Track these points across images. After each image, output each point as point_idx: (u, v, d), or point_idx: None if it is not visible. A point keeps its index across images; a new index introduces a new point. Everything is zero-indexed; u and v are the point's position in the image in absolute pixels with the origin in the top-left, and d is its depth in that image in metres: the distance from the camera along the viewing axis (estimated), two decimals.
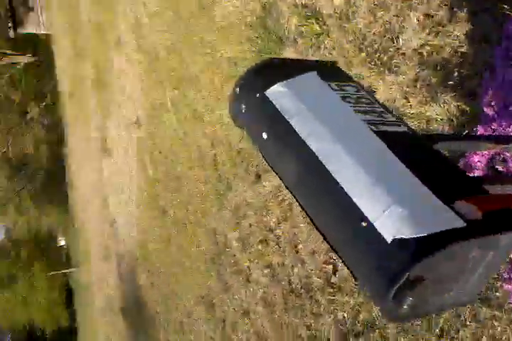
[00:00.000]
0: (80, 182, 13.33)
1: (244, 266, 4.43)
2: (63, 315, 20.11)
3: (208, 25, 4.36)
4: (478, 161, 1.96)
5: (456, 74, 2.03)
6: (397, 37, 2.31)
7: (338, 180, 0.93)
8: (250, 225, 4.37)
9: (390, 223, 0.84)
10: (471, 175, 1.91)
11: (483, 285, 1.00)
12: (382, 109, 1.13)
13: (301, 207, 1.07)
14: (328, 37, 2.69)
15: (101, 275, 10.92)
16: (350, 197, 0.91)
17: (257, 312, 4.15)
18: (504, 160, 1.85)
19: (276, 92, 1.12)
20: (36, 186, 17.73)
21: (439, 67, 2.11)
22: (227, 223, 4.70)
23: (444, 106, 2.10)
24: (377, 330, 2.76)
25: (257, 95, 1.15)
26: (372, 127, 1.03)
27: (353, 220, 0.89)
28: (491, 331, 1.99)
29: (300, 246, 3.57)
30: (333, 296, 3.18)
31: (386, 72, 2.31)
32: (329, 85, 1.15)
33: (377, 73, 2.35)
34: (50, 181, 17.12)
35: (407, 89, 2.24)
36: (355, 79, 1.34)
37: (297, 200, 1.09)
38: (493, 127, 1.84)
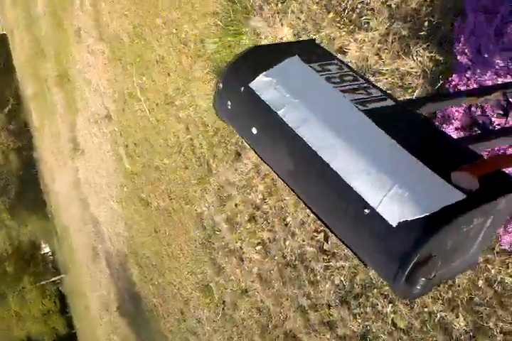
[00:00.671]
0: (55, 185, 13.08)
1: (236, 246, 4.45)
2: (60, 323, 19.92)
3: (170, 3, 4.27)
4: (456, 111, 1.97)
5: (426, 23, 2.04)
6: None
7: (335, 169, 0.92)
8: (236, 205, 4.37)
9: (392, 207, 0.84)
10: (455, 134, 1.92)
11: (485, 247, 1.02)
12: (366, 84, 1.11)
13: (301, 200, 1.05)
14: (295, 0, 2.67)
15: (92, 277, 10.82)
16: (349, 185, 0.90)
17: (255, 289, 4.17)
18: (483, 110, 1.86)
19: (261, 83, 1.10)
20: (10, 196, 17.34)
21: (409, 18, 2.11)
22: (212, 206, 4.69)
23: (417, 59, 2.11)
24: (375, 289, 2.81)
25: (242, 89, 1.12)
26: (360, 106, 1.01)
27: (355, 208, 0.88)
28: (485, 274, 2.04)
29: (288, 218, 3.59)
30: (328, 262, 3.22)
31: (356, 30, 2.30)
32: (312, 67, 1.13)
33: (347, 32, 2.34)
34: (24, 189, 16.75)
35: (379, 45, 2.24)
36: (335, 54, 1.32)
37: (295, 193, 1.07)
38: (467, 75, 1.85)
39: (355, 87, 1.08)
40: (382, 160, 0.90)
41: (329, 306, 3.21)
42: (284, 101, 1.05)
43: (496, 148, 1.63)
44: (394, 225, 0.82)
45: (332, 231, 0.99)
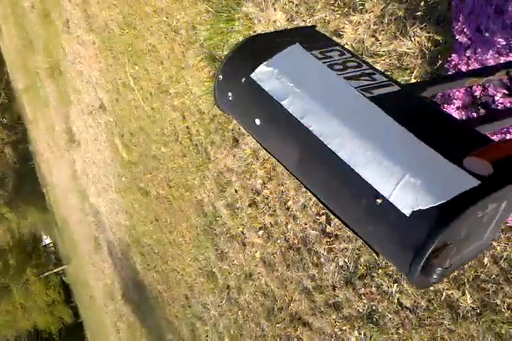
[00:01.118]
0: (53, 178, 13.05)
1: (238, 231, 4.47)
2: (66, 313, 20.11)
3: None
4: (457, 91, 1.96)
5: (422, 3, 2.01)
6: None
7: (344, 159, 0.90)
8: (236, 191, 4.38)
9: (405, 196, 0.82)
10: (457, 114, 1.90)
11: (497, 231, 1.02)
12: (370, 70, 1.08)
13: (310, 191, 1.03)
14: None
15: (95, 267, 10.89)
16: (359, 175, 0.88)
17: (259, 273, 4.21)
18: (484, 89, 1.85)
19: (262, 73, 1.06)
20: (8, 190, 17.30)
21: None
22: (212, 192, 4.69)
23: (414, 39, 2.09)
24: (379, 270, 2.84)
25: (243, 80, 1.09)
26: (366, 93, 0.99)
27: (367, 198, 0.86)
28: (491, 251, 2.06)
29: (290, 202, 3.61)
30: (331, 245, 3.24)
31: (351, 12, 2.27)
32: (313, 55, 1.10)
33: (341, 15, 2.31)
34: (22, 182, 16.71)
35: (375, 26, 2.21)
36: (336, 40, 1.29)
37: (303, 184, 1.05)
38: (467, 54, 1.82)
39: (359, 73, 1.06)
40: (392, 148, 0.88)
41: (334, 287, 3.25)
42: (288, 91, 1.02)
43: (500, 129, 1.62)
44: (407, 214, 0.80)
45: (344, 223, 0.97)
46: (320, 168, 0.97)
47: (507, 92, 1.51)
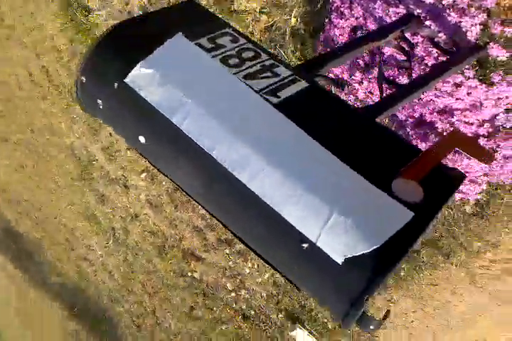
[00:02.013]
0: None
1: (118, 174, 4.35)
2: None
3: None
4: (340, 35, 1.91)
5: None
6: None
7: (258, 194, 0.74)
8: (111, 134, 4.18)
9: (334, 240, 0.70)
10: (361, 91, 1.78)
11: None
12: (270, 60, 0.93)
13: (220, 222, 0.88)
14: None
15: None
16: (277, 212, 0.73)
17: (146, 214, 4.22)
18: (383, 56, 1.72)
19: (140, 78, 0.84)
20: None
21: None
22: (84, 136, 4.42)
23: None
24: None
25: (115, 85, 0.87)
26: (272, 98, 0.84)
27: (291, 242, 0.73)
28: None
29: None
30: None
31: None
32: (201, 45, 0.91)
33: None
34: None
35: None
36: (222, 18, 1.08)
37: (212, 215, 0.90)
38: None
39: (259, 68, 0.91)
40: (314, 177, 0.75)
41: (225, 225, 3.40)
42: (176, 103, 0.83)
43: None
44: (340, 262, 0.70)
45: (265, 260, 0.83)
46: (230, 203, 0.82)
47: (405, 58, 1.48)
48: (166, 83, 0.84)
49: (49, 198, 5.57)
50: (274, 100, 0.85)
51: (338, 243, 0.71)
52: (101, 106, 0.92)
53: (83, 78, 0.93)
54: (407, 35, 1.49)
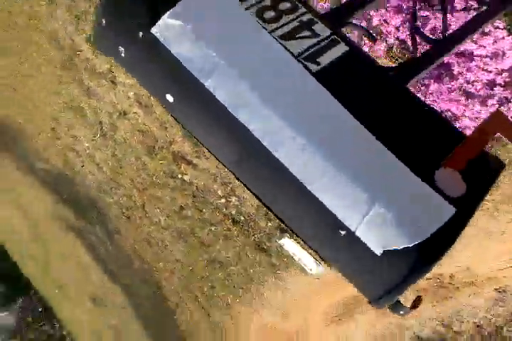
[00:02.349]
0: None
1: (105, 68, 4.12)
2: None
3: None
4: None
5: None
6: None
7: (296, 175, 0.71)
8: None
9: (374, 231, 0.68)
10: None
11: None
12: (307, 15, 0.83)
13: (252, 193, 0.85)
14: None
15: None
16: (316, 197, 0.70)
17: (136, 113, 4.11)
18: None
19: (168, 29, 0.75)
20: None
21: None
22: (69, 25, 4.07)
23: None
24: None
25: (140, 35, 0.77)
26: (312, 66, 0.76)
27: (328, 226, 0.71)
28: None
29: None
30: None
31: None
32: None
33: None
34: None
35: None
36: None
37: (245, 186, 0.86)
38: None
39: (297, 24, 0.82)
40: (357, 165, 0.72)
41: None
42: (210, 64, 0.75)
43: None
44: (378, 254, 0.70)
45: (305, 242, 0.82)
46: (267, 176, 0.78)
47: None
48: (196, 38, 0.75)
49: (32, 84, 5.33)
50: (314, 67, 0.79)
51: (378, 235, 0.70)
52: (123, 54, 0.84)
53: (103, 21, 0.84)
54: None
